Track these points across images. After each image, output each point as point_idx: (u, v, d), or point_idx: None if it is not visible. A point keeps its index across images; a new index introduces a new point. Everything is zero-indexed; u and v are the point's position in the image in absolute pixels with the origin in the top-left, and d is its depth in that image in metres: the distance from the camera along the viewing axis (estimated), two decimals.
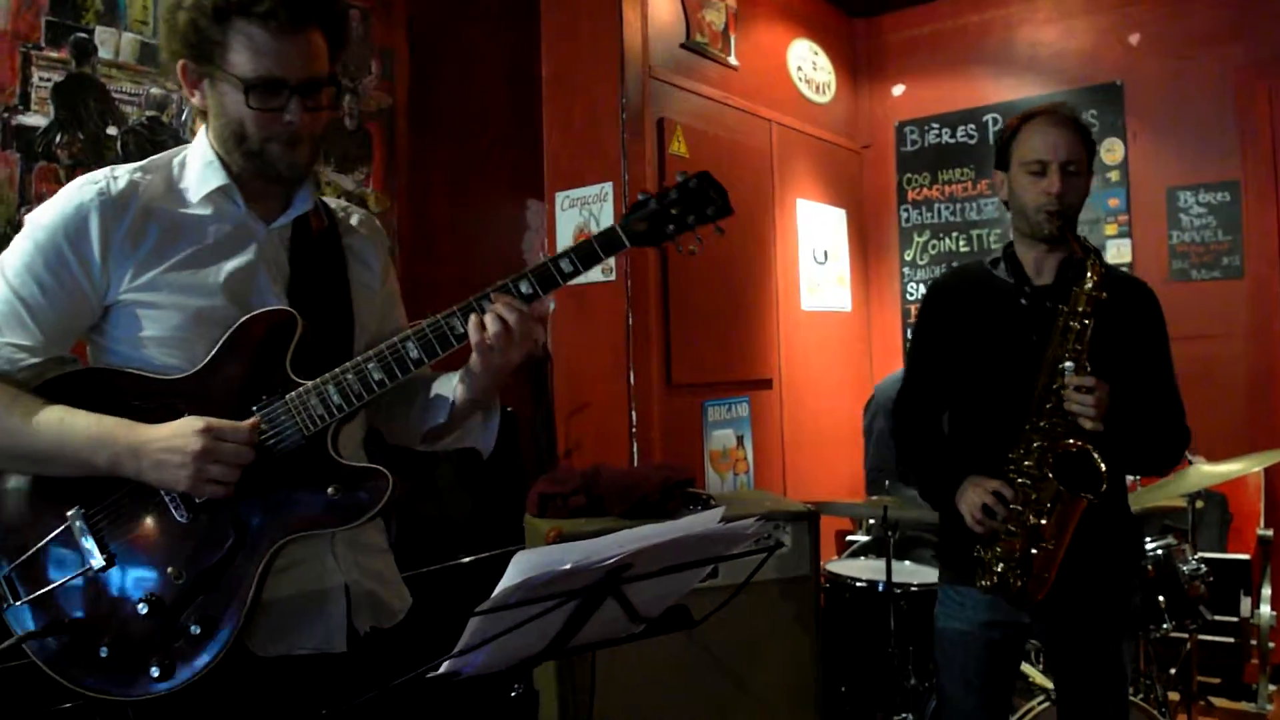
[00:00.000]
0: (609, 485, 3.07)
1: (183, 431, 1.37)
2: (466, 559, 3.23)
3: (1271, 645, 3.64)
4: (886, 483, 3.76)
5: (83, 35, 2.90)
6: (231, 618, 1.40)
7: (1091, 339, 2.05)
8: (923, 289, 5.16)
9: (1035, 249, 2.25)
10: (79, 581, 1.41)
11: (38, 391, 1.43)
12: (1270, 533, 4.03)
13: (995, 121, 5.00)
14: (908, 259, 5.36)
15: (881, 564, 3.33)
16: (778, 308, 4.64)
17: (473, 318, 1.48)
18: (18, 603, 1.41)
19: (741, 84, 4.50)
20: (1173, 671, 3.29)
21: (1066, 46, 4.83)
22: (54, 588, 1.41)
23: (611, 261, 3.81)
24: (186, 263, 1.48)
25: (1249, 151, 4.34)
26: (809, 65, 5.09)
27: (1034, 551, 2.06)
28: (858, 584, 3.44)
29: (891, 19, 5.42)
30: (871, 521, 4.03)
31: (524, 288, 1.51)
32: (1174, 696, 3.32)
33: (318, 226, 1.64)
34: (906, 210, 5.37)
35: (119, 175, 1.49)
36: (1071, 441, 2.04)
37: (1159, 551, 3.01)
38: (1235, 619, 3.69)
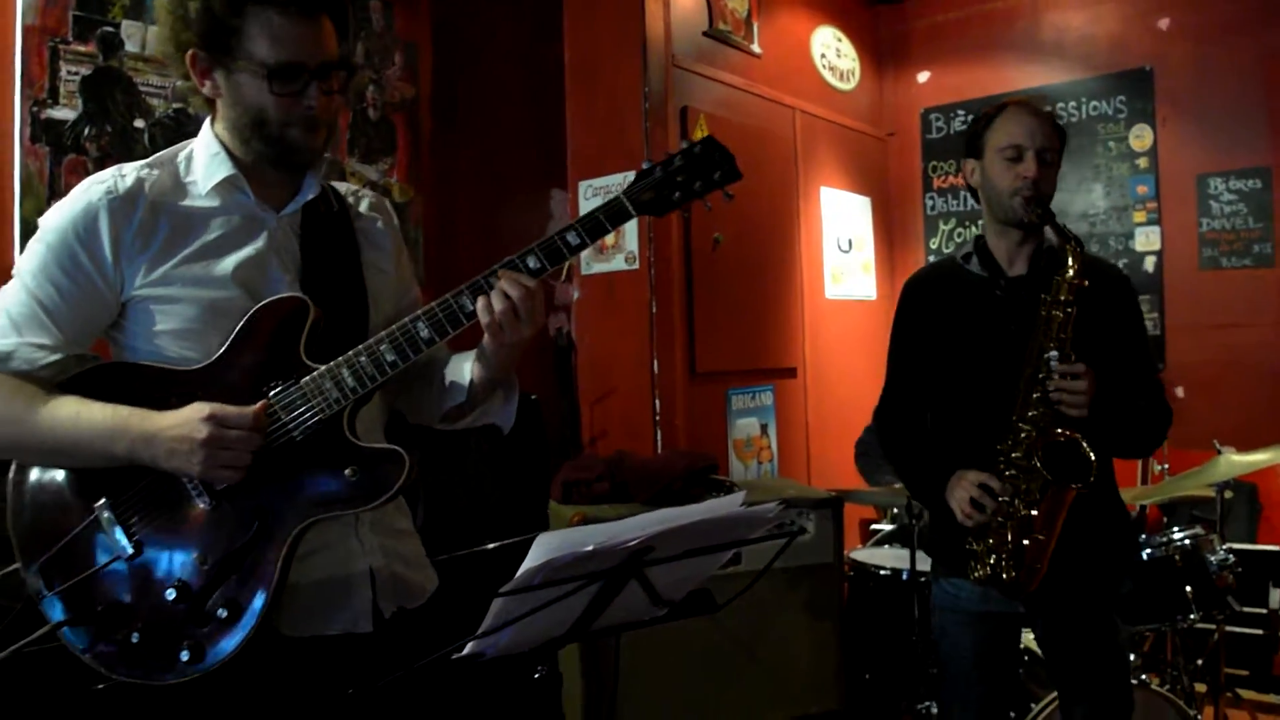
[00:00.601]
0: (633, 472, 3.09)
1: (190, 419, 1.38)
2: (491, 545, 3.25)
3: None
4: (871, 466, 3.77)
5: (109, 29, 2.93)
6: (258, 601, 1.41)
7: (1074, 326, 2.04)
8: None
9: (1007, 239, 2.24)
10: (109, 571, 1.43)
11: (59, 388, 1.45)
12: None
13: None
14: (933, 246, 5.33)
15: (906, 553, 3.32)
16: (802, 296, 4.63)
17: (481, 298, 1.49)
18: (50, 593, 1.43)
19: (765, 72, 4.48)
20: (1200, 662, 3.27)
21: (1094, 32, 4.78)
22: (85, 577, 1.43)
23: (635, 250, 3.83)
24: (197, 255, 1.49)
25: None
26: (833, 52, 5.07)
27: (1025, 543, 2.05)
28: (881, 572, 3.44)
29: (915, 5, 5.38)
30: (896, 510, 4.03)
31: (531, 263, 1.51)
32: (1201, 688, 3.29)
33: (327, 211, 1.65)
34: (932, 198, 5.34)
35: (126, 174, 1.50)
36: (1059, 431, 2.03)
37: (1186, 542, 2.97)
38: (1264, 610, 3.65)
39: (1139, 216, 4.61)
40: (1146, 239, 4.58)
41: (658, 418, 3.79)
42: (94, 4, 2.91)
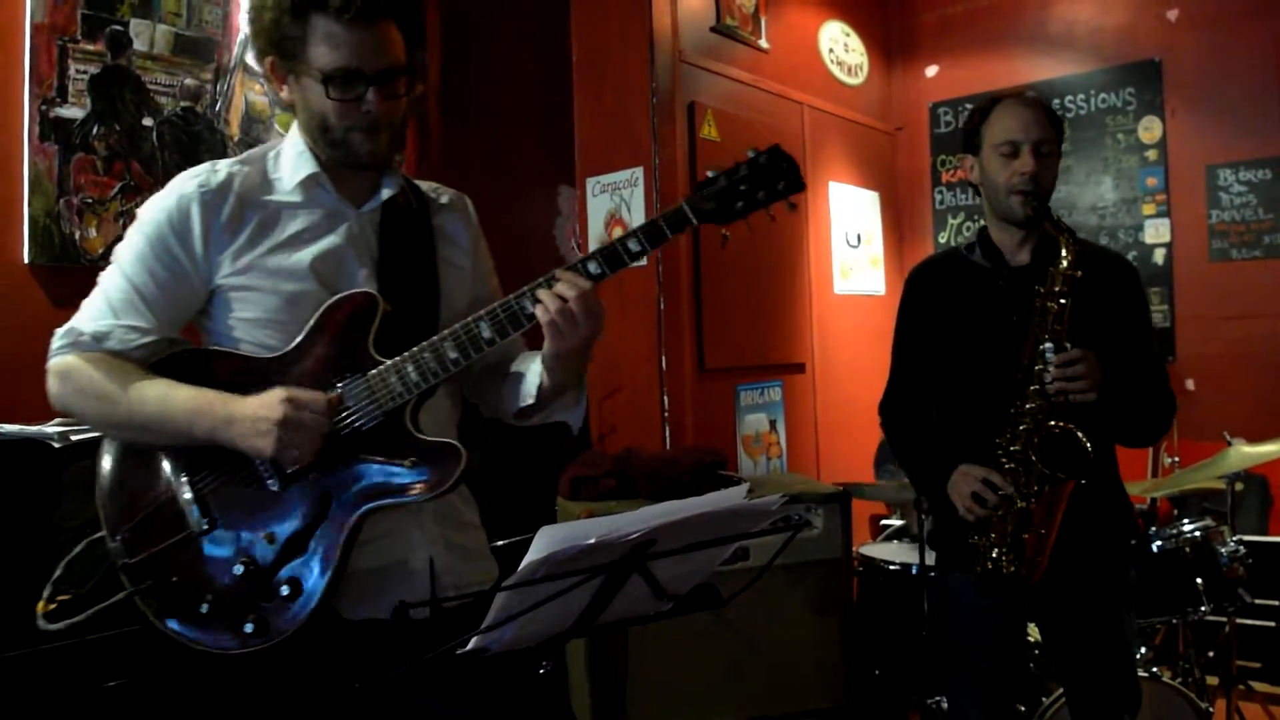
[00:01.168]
0: (640, 468, 3.09)
1: (269, 401, 1.46)
2: (500, 543, 3.25)
3: None
4: (889, 467, 3.76)
5: (118, 28, 2.94)
6: (320, 582, 1.49)
7: (1074, 316, 2.02)
8: None
9: (1009, 232, 2.23)
10: (183, 544, 1.52)
11: (151, 370, 1.54)
12: None
13: None
14: (942, 241, 5.31)
15: (915, 548, 3.32)
16: (811, 291, 4.62)
17: (538, 301, 1.53)
18: (131, 560, 1.52)
19: (773, 67, 4.47)
20: (1211, 655, 3.25)
21: (1103, 23, 4.76)
22: (162, 548, 1.52)
23: None
24: (279, 248, 1.58)
25: None
26: (840, 47, 5.06)
27: (1025, 536, 2.05)
28: (891, 567, 3.43)
29: None
30: (904, 505, 4.02)
31: (593, 268, 1.55)
32: (1213, 680, 3.28)
33: (406, 208, 1.71)
34: (940, 192, 5.32)
35: (219, 169, 1.60)
36: (1054, 423, 2.03)
37: (1197, 534, 2.96)
38: (1276, 602, 3.63)
39: (1148, 209, 4.59)
40: (1156, 231, 4.55)
41: (666, 414, 3.79)
42: (103, 2, 2.92)
